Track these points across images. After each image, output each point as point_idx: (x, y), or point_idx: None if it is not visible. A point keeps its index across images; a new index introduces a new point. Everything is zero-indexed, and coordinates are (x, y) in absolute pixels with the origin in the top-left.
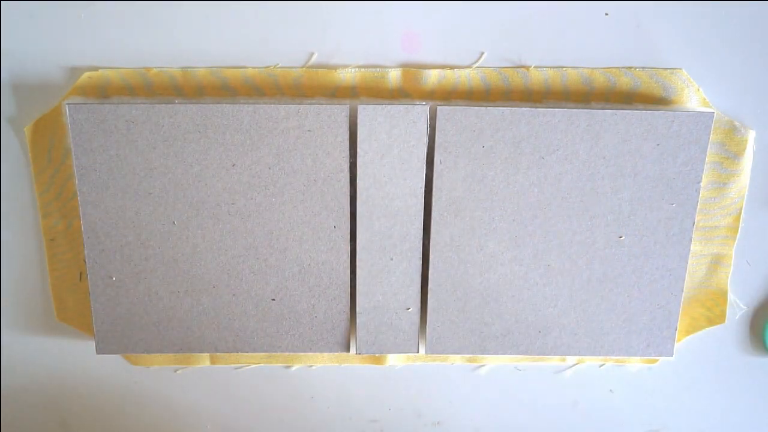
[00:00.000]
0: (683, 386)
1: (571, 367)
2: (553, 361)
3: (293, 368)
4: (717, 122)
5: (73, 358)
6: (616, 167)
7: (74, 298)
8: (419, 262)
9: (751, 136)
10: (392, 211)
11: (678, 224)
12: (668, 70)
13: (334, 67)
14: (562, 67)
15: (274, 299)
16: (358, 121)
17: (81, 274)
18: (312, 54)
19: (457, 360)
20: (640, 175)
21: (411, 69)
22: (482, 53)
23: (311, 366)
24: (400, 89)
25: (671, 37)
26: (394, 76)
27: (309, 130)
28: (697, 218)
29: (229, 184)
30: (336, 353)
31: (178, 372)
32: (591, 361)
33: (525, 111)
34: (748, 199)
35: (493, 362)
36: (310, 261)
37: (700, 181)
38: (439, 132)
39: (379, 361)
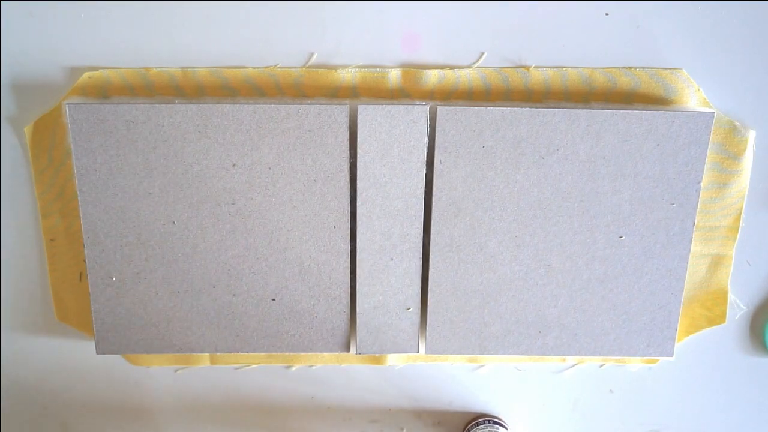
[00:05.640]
0: (683, 386)
1: (571, 367)
2: (553, 361)
3: (293, 368)
4: (717, 122)
5: (73, 358)
6: (616, 167)
7: (74, 298)
8: (419, 262)
9: (751, 136)
10: (392, 211)
11: (678, 224)
12: (668, 70)
13: (334, 67)
14: (562, 67)
15: (274, 299)
16: (358, 121)
17: (81, 274)
18: (312, 54)
19: (457, 360)
20: (640, 175)
21: (411, 69)
22: (482, 53)
23: (311, 366)
24: (400, 89)
25: (671, 37)
26: (394, 76)
27: (309, 130)
28: (697, 218)
29: (229, 184)
30: (336, 353)
31: (178, 372)
32: (591, 361)
33: (525, 111)
34: (748, 199)
35: (493, 362)
36: (310, 261)
37: (700, 181)
38: (439, 132)
39: (379, 361)
